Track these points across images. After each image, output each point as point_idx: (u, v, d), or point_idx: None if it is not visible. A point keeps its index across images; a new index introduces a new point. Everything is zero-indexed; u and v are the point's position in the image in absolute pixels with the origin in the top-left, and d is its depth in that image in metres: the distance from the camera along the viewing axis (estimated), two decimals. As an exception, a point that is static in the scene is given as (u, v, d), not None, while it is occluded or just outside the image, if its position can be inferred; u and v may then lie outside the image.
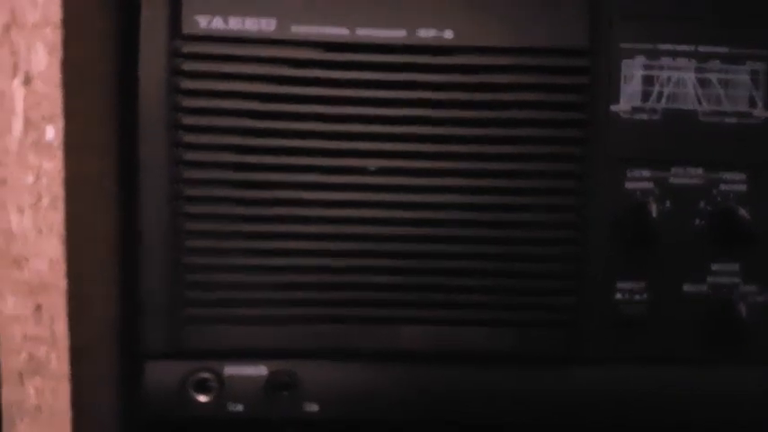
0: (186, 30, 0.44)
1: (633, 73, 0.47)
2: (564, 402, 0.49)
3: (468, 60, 0.46)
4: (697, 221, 0.48)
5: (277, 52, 0.45)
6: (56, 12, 0.37)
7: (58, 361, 0.38)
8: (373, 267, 0.47)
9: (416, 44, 0.45)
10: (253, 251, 0.46)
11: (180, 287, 0.46)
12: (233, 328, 0.47)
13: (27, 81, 0.37)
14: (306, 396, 0.48)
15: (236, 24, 0.45)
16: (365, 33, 0.45)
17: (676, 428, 0.50)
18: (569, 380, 0.49)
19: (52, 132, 0.37)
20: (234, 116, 0.45)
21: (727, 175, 0.48)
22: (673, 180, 0.48)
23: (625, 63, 0.47)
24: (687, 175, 0.48)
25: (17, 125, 0.37)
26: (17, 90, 0.37)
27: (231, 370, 0.47)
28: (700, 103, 0.48)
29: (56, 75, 0.37)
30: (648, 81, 0.47)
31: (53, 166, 0.37)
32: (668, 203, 0.48)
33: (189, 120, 0.45)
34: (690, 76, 0.47)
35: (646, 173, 0.48)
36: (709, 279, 0.49)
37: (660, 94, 0.47)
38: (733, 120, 0.48)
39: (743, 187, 0.48)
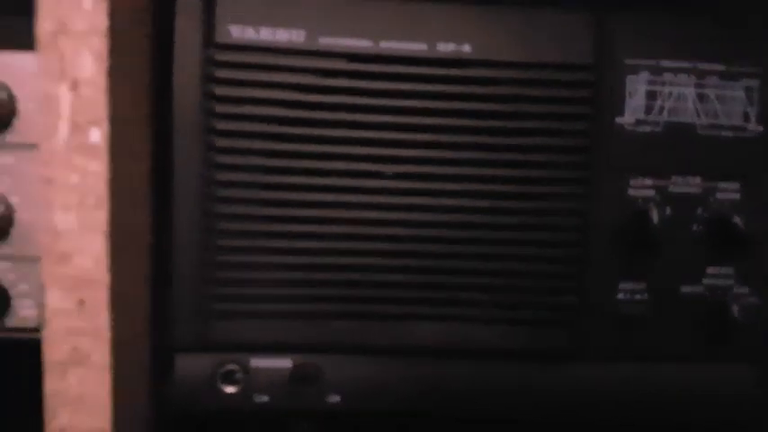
0: (219, 39, 0.46)
1: (637, 88, 0.49)
2: (567, 397, 0.51)
3: (484, 73, 0.48)
4: (695, 227, 0.50)
5: (305, 62, 0.47)
6: (102, 21, 0.38)
7: (100, 353, 0.39)
8: (390, 266, 0.48)
9: (436, 57, 0.47)
10: (279, 250, 0.48)
11: (210, 284, 0.47)
12: (260, 322, 0.48)
13: (73, 86, 0.38)
14: (328, 388, 0.49)
15: (267, 35, 0.46)
16: (388, 46, 0.47)
17: (673, 423, 0.53)
18: (572, 375, 0.51)
19: (97, 135, 0.38)
20: (264, 122, 0.47)
21: (723, 185, 0.50)
22: (672, 188, 0.50)
23: (630, 78, 0.49)
24: (686, 184, 0.50)
25: (64, 128, 0.38)
26: (64, 95, 0.38)
27: (257, 362, 0.49)
28: (698, 116, 0.50)
29: (101, 81, 0.38)
30: (651, 96, 0.49)
31: (97, 168, 0.38)
32: (668, 210, 0.50)
33: (221, 125, 0.47)
34: (690, 92, 0.50)
35: (647, 181, 0.50)
36: (706, 281, 0.51)
37: (662, 108, 0.49)
38: (729, 133, 0.50)
39: (737, 196, 0.50)
